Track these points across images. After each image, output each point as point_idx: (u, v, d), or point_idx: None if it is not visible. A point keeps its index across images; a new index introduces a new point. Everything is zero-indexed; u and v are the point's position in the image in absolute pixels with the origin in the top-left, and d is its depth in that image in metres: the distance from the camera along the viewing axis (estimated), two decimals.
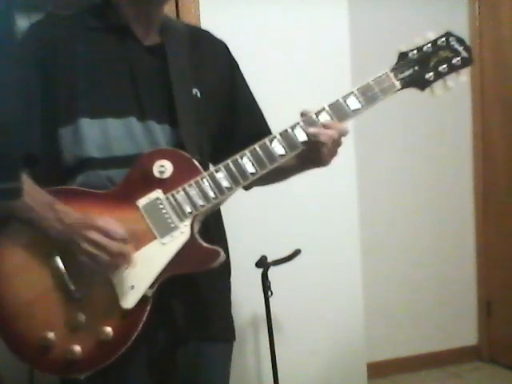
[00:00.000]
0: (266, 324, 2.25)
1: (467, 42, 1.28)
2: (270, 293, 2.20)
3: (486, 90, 3.26)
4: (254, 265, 2.19)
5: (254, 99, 1.46)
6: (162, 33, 1.32)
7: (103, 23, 1.28)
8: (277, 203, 2.45)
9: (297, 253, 2.24)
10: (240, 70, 1.45)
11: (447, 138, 3.31)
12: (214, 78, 1.38)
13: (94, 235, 1.13)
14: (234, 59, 1.44)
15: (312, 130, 1.21)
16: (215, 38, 1.43)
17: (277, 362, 2.26)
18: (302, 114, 1.23)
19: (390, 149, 3.22)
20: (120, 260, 1.15)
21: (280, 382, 2.26)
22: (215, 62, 1.40)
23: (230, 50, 1.44)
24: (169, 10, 2.28)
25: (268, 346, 2.25)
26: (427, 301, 3.29)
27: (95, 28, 1.28)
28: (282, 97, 2.31)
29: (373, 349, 2.99)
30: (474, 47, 3.24)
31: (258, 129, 1.41)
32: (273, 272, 2.20)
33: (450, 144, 3.31)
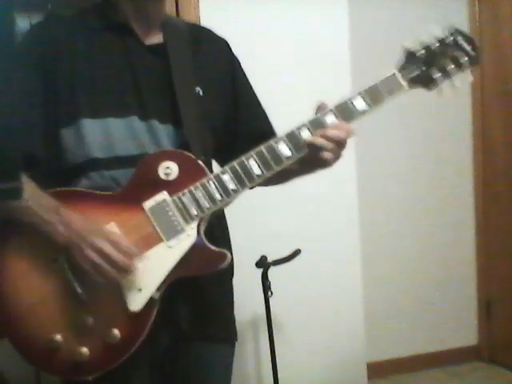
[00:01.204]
0: (266, 324, 2.25)
1: (474, 40, 1.25)
2: (270, 293, 2.20)
3: (486, 89, 3.26)
4: (254, 265, 2.19)
5: (256, 97, 1.46)
6: (163, 32, 1.31)
7: (103, 22, 1.28)
8: (277, 203, 2.45)
9: (297, 253, 2.24)
10: (242, 68, 1.44)
11: (447, 138, 3.31)
12: (216, 76, 1.37)
13: (101, 243, 1.13)
14: (235, 57, 1.44)
15: (316, 137, 1.19)
16: (217, 36, 1.43)
17: (277, 362, 2.26)
18: (319, 107, 1.22)
19: (390, 149, 3.22)
20: (121, 273, 1.14)
21: (280, 382, 2.26)
22: (217, 60, 1.39)
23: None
24: (169, 10, 2.28)
25: (268, 345, 2.25)
26: (427, 301, 3.29)
27: (96, 27, 1.27)
28: (282, 96, 2.31)
29: (373, 349, 2.99)
30: None
31: (261, 127, 1.40)
32: (273, 272, 2.20)
33: (450, 143, 3.31)
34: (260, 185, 1.36)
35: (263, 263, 2.19)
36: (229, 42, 1.44)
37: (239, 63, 1.44)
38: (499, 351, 3.30)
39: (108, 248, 1.13)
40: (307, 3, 2.54)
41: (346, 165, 2.50)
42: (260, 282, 2.19)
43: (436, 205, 3.31)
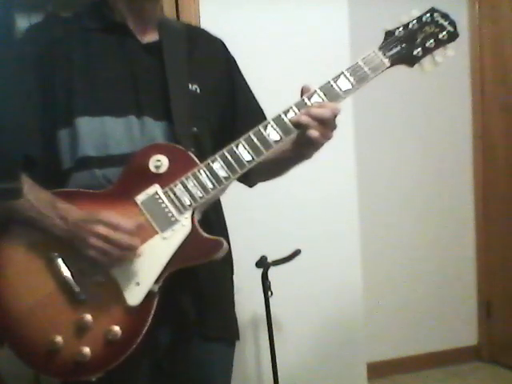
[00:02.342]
0: (266, 324, 2.25)
1: (451, 16, 1.28)
2: (270, 293, 2.19)
3: (486, 90, 3.26)
4: (254, 265, 2.19)
5: (253, 96, 1.46)
6: (159, 31, 1.32)
7: (100, 23, 1.29)
8: (277, 203, 2.45)
9: (297, 253, 2.24)
10: (238, 67, 1.45)
11: (447, 138, 3.31)
12: (213, 75, 1.38)
13: (103, 230, 1.13)
14: (231, 56, 1.45)
15: (300, 115, 1.20)
16: (212, 36, 1.44)
17: (277, 362, 2.26)
18: (303, 90, 1.23)
19: (390, 149, 3.22)
20: (129, 253, 1.15)
21: (280, 381, 2.26)
22: (214, 59, 1.40)
23: (230, 49, 1.45)
24: (169, 10, 2.28)
25: (268, 345, 2.25)
26: (427, 301, 3.29)
27: (92, 28, 1.28)
28: (282, 96, 2.30)
29: (373, 349, 2.99)
30: (473, 47, 3.24)
31: (257, 123, 1.40)
32: (273, 272, 2.20)
33: (450, 144, 3.31)
34: (260, 179, 1.35)
35: (263, 263, 2.18)
36: (229, 41, 1.45)
37: (235, 62, 1.45)
38: (499, 351, 3.30)
39: (106, 231, 1.13)
40: (307, 3, 2.54)
41: (346, 165, 2.52)
42: (260, 282, 2.19)
43: (436, 205, 3.31)
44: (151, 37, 1.31)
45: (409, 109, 3.16)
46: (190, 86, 1.31)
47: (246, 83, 1.46)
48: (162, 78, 1.27)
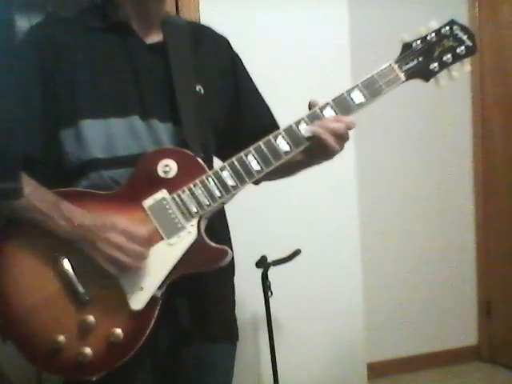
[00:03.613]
0: (266, 324, 2.24)
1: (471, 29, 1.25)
2: (270, 293, 2.19)
3: (486, 89, 3.26)
4: (254, 265, 2.19)
5: (258, 93, 1.45)
6: (163, 30, 1.31)
7: (104, 22, 1.28)
8: (277, 203, 2.45)
9: (297, 253, 2.24)
10: (243, 65, 1.44)
11: (447, 138, 3.31)
12: (217, 74, 1.37)
13: (117, 238, 1.13)
14: (236, 54, 1.44)
15: (316, 126, 1.19)
16: (217, 34, 1.43)
17: (277, 362, 2.26)
18: (310, 105, 1.22)
19: (390, 149, 3.22)
20: (139, 262, 1.15)
21: (280, 381, 2.26)
22: (218, 58, 1.39)
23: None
24: (169, 8, 2.28)
25: (268, 345, 2.25)
26: (427, 301, 3.29)
27: (96, 28, 1.27)
28: (282, 95, 2.30)
29: (373, 349, 2.99)
30: None
31: (264, 122, 1.40)
32: (273, 272, 2.20)
33: (450, 144, 3.31)
34: (266, 179, 1.36)
35: (263, 263, 2.18)
36: (228, 39, 1.44)
37: (240, 60, 1.44)
38: (499, 351, 3.30)
39: (121, 239, 1.13)
40: (307, 3, 2.54)
41: (345, 165, 2.52)
42: (260, 281, 2.19)
43: (436, 205, 3.31)
44: (155, 37, 1.30)
45: (409, 109, 3.16)
46: (195, 87, 1.30)
47: (252, 81, 1.44)
48: (167, 79, 1.26)
